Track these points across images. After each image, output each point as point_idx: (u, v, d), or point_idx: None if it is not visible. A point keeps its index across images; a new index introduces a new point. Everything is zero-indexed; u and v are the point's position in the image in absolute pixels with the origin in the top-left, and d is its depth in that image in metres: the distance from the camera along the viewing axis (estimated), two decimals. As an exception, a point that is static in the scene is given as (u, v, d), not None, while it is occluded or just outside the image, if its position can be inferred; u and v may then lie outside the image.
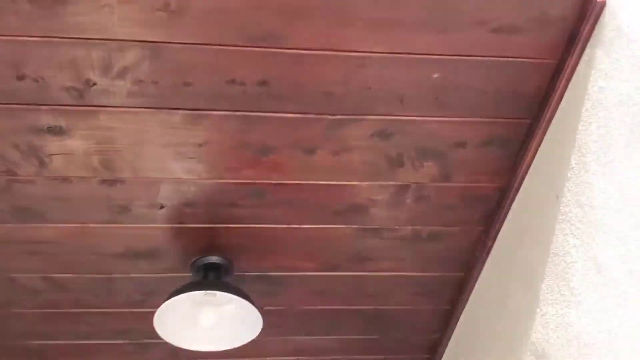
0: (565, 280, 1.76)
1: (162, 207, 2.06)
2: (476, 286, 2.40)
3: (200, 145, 1.88)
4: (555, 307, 1.82)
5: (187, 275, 2.29)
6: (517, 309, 2.06)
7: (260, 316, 2.16)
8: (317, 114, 1.84)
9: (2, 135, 1.80)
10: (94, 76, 1.68)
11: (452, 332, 2.66)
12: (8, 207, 2.00)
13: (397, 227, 2.22)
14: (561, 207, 1.78)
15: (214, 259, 2.26)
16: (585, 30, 1.63)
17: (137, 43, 1.62)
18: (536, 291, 1.92)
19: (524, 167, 1.97)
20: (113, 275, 2.32)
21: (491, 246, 2.24)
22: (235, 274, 2.32)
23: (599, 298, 1.60)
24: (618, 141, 1.53)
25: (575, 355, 1.71)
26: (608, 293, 1.56)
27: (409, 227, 2.23)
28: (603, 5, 1.57)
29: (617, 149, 1.53)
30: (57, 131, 1.80)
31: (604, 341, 1.58)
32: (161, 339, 2.26)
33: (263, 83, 1.74)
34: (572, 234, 1.73)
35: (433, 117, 1.87)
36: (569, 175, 1.74)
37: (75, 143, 1.84)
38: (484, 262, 2.31)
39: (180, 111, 1.79)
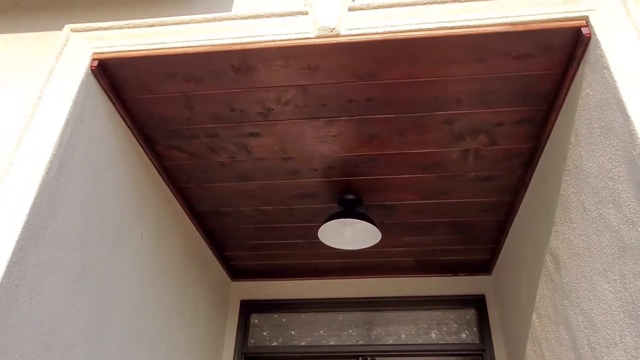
0: (567, 211, 1.98)
1: (316, 170, 2.49)
2: (520, 206, 2.59)
3: (335, 136, 2.27)
4: (562, 227, 2.04)
5: (334, 206, 2.71)
6: (542, 225, 2.27)
7: (379, 231, 2.59)
8: (404, 113, 2.14)
9: (226, 139, 2.31)
10: (272, 105, 2.12)
11: (507, 234, 2.88)
12: (233, 175, 2.55)
13: (464, 174, 2.47)
14: (565, 166, 1.97)
15: (349, 196, 2.63)
16: (578, 53, 1.78)
17: (294, 87, 2.03)
18: (552, 217, 2.13)
19: (545, 137, 2.14)
20: (293, 207, 2.80)
21: (528, 183, 2.42)
22: (364, 204, 2.71)
23: (584, 226, 1.83)
24: (595, 129, 1.71)
25: (570, 255, 1.96)
26: (590, 224, 1.79)
27: (472, 173, 2.47)
28: (589, 38, 1.71)
29: (595, 134, 1.71)
30: (255, 135, 2.28)
31: (584, 248, 1.82)
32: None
33: (369, 100, 2.08)
34: (571, 184, 1.93)
35: (480, 110, 2.09)
36: (569, 146, 1.92)
37: (265, 140, 2.31)
38: (524, 192, 2.50)
39: (322, 119, 2.18)
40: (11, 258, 1.43)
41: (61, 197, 1.68)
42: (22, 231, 1.48)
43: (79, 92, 1.80)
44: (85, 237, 1.82)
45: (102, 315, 1.91)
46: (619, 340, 1.58)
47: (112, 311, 1.98)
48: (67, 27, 1.98)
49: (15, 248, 1.45)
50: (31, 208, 1.53)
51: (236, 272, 3.60)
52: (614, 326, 1.61)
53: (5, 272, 1.41)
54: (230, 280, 3.64)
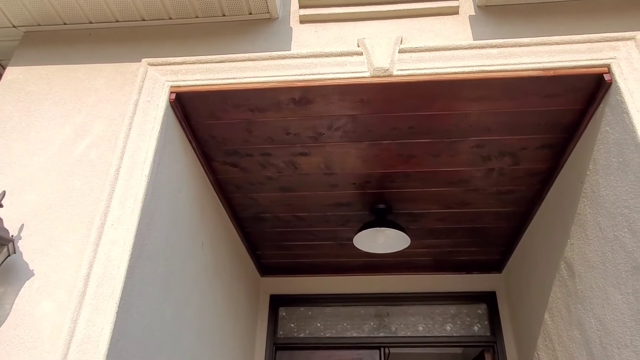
0: (584, 228, 2.24)
1: (354, 184, 2.74)
2: (535, 216, 2.86)
3: (376, 156, 2.51)
4: (578, 241, 2.31)
5: (366, 214, 2.98)
6: (557, 237, 2.53)
7: (408, 237, 2.85)
8: (440, 139, 2.38)
9: (278, 157, 2.55)
10: (323, 131, 2.36)
11: (520, 239, 3.15)
12: (278, 187, 2.79)
13: (487, 188, 2.73)
14: (582, 189, 2.23)
15: (381, 206, 2.89)
16: (599, 95, 2.02)
17: (345, 116, 2.26)
18: (568, 230, 2.40)
19: (563, 160, 2.40)
20: (327, 213, 3.05)
21: (544, 197, 2.69)
22: (394, 212, 2.97)
23: (599, 244, 2.10)
24: (613, 163, 1.97)
25: (585, 266, 2.23)
26: (605, 243, 2.05)
27: (494, 188, 2.73)
28: (610, 83, 1.96)
29: (612, 167, 1.97)
30: (304, 154, 2.52)
31: (599, 262, 2.09)
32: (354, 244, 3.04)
33: (410, 127, 2.32)
34: (588, 206, 2.19)
35: (508, 137, 2.34)
36: (587, 173, 2.18)
37: (312, 159, 2.55)
38: (539, 205, 2.77)
39: (365, 142, 2.42)
40: (126, 274, 1.67)
41: (153, 218, 1.91)
42: (131, 251, 1.72)
43: (162, 123, 2.02)
44: (168, 250, 2.06)
45: (179, 316, 2.16)
46: (630, 343, 1.86)
47: (185, 312, 2.23)
48: (145, 61, 2.19)
49: (128, 266, 1.69)
50: (137, 230, 1.76)
51: (265, 269, 3.86)
52: (626, 331, 1.90)
53: (123, 287, 1.65)
54: (259, 277, 3.90)
